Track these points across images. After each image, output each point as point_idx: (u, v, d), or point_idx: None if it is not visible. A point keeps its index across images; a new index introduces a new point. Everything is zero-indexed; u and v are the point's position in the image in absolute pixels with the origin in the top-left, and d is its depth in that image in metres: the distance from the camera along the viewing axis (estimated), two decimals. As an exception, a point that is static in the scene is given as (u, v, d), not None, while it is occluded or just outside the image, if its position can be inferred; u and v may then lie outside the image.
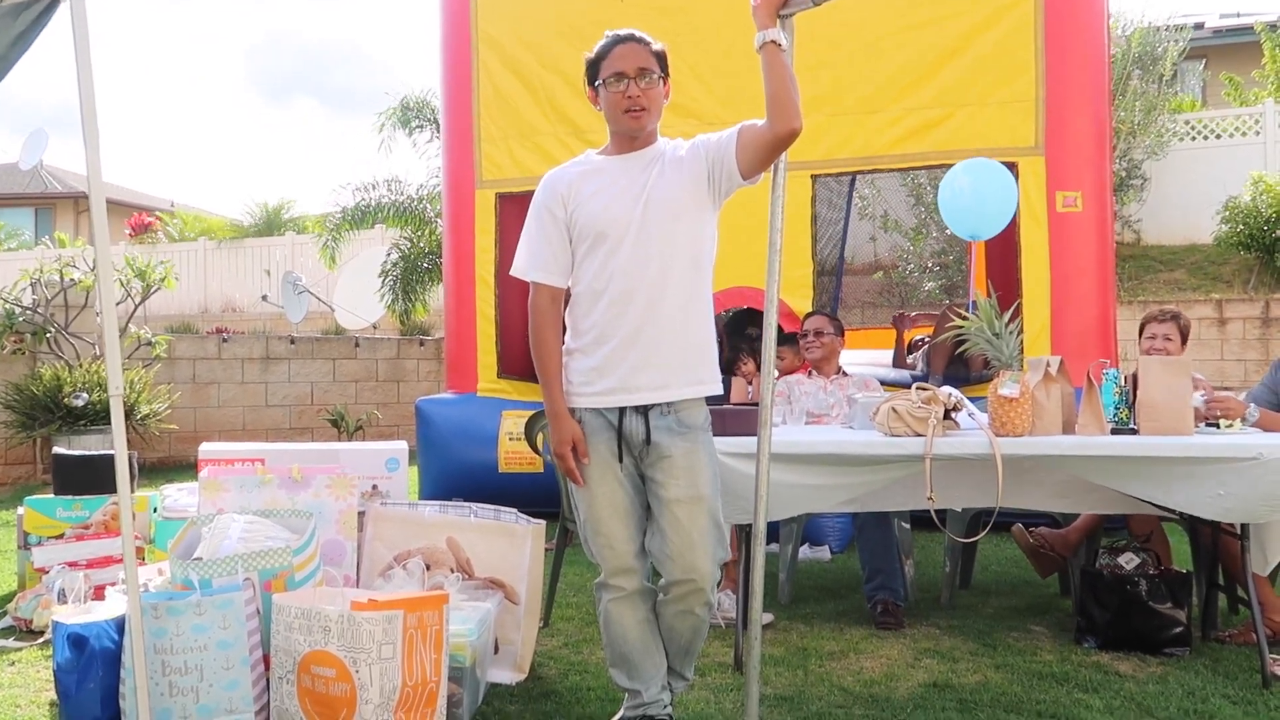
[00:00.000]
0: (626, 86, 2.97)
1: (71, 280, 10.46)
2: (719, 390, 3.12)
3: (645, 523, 3.09)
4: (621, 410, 3.00)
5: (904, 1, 6.34)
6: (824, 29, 5.97)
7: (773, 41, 2.93)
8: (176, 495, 5.17)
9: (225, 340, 11.90)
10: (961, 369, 6.23)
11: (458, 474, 7.06)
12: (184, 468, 10.43)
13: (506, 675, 3.75)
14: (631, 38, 3.03)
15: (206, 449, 4.35)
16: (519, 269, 3.12)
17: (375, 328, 14.15)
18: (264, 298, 16.94)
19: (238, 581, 3.26)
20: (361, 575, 3.92)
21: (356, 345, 12.57)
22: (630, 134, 3.03)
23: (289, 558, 3.41)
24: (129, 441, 9.89)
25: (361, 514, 4.05)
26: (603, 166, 3.06)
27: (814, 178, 6.60)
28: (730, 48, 6.48)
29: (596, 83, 3.05)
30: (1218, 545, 4.18)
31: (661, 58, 3.04)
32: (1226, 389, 4.89)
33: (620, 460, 3.02)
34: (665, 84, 3.07)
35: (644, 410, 2.99)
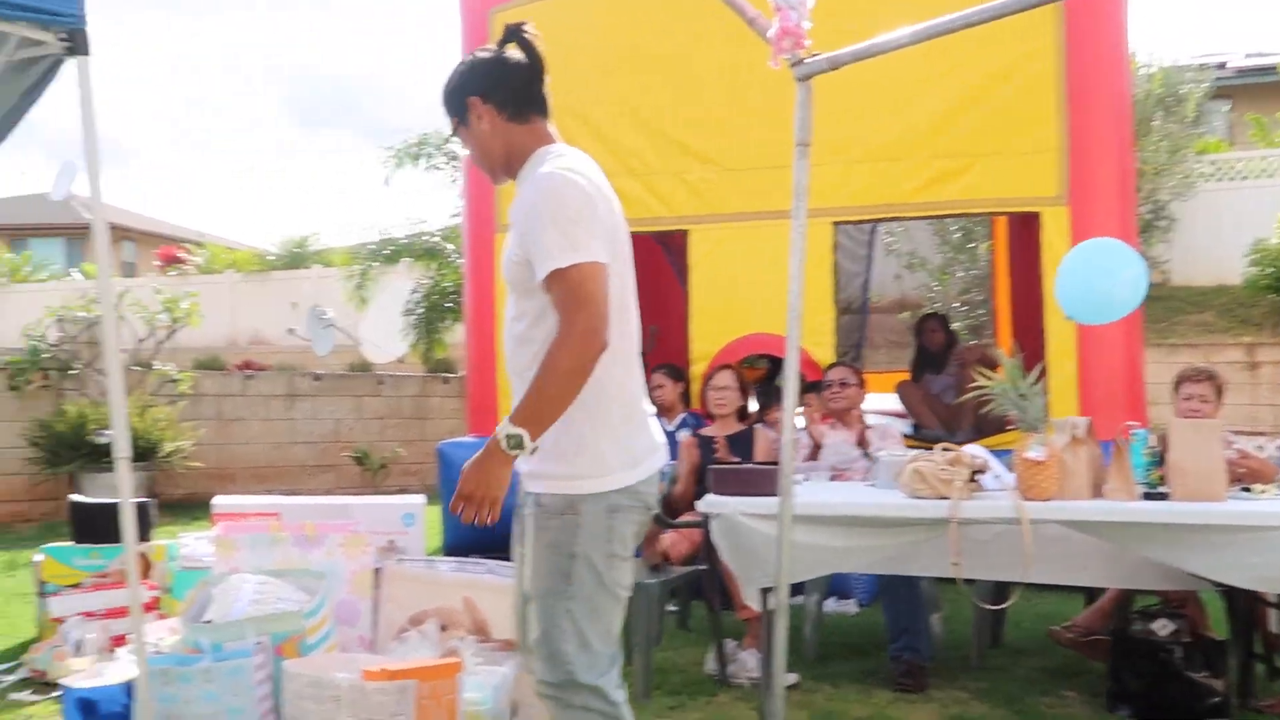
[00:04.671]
0: None
1: (97, 316, 10.52)
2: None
3: None
4: None
5: (924, 50, 6.30)
6: (844, 76, 5.93)
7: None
8: (194, 545, 5.14)
9: (250, 377, 11.93)
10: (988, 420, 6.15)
11: (479, 519, 7.01)
12: (207, 505, 10.41)
13: (523, 740, 3.69)
14: None
15: (220, 502, 4.34)
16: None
17: (402, 361, 14.16)
18: (290, 331, 17.00)
19: (248, 646, 3.22)
20: (377, 637, 3.88)
21: (380, 383, 12.58)
22: None
23: (301, 621, 3.38)
24: (153, 480, 9.92)
25: (378, 571, 4.01)
26: None
27: (835, 224, 6.55)
28: (735, 94, 6.46)
29: None
30: (1254, 612, 4.07)
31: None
32: (1260, 434, 4.78)
33: None
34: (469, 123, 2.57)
35: None
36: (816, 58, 3.16)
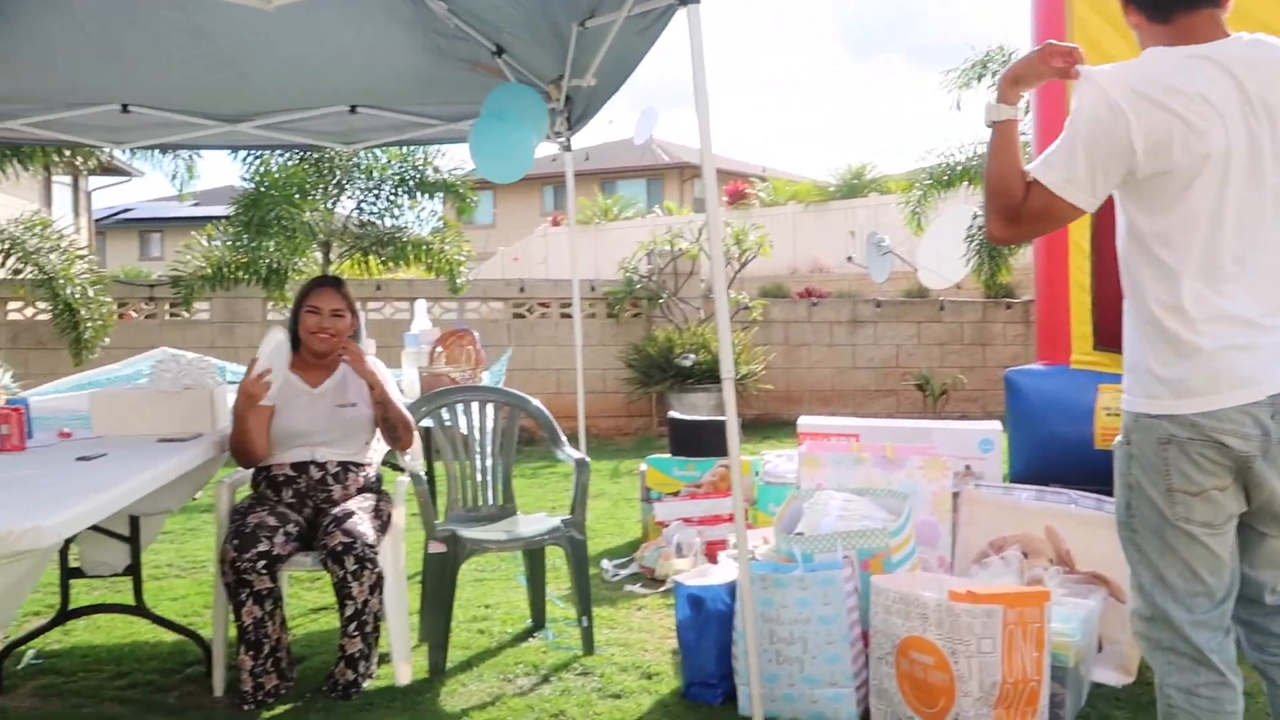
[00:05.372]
0: None
1: (680, 250, 11.46)
2: None
3: None
4: None
5: None
6: None
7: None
8: (776, 461, 5.49)
9: (814, 304, 12.41)
10: None
11: (1050, 448, 6.79)
12: (778, 425, 11.04)
13: (1112, 676, 3.57)
14: None
15: (805, 423, 4.57)
16: None
17: (959, 288, 13.98)
18: (849, 259, 17.42)
19: (837, 559, 3.39)
20: (956, 559, 3.92)
21: (941, 308, 12.54)
22: None
23: (886, 539, 3.49)
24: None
25: (955, 495, 4.04)
26: None
27: None
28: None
29: None
30: None
31: None
32: None
33: None
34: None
35: None
36: None
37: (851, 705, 3.29)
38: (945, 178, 12.97)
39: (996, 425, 4.43)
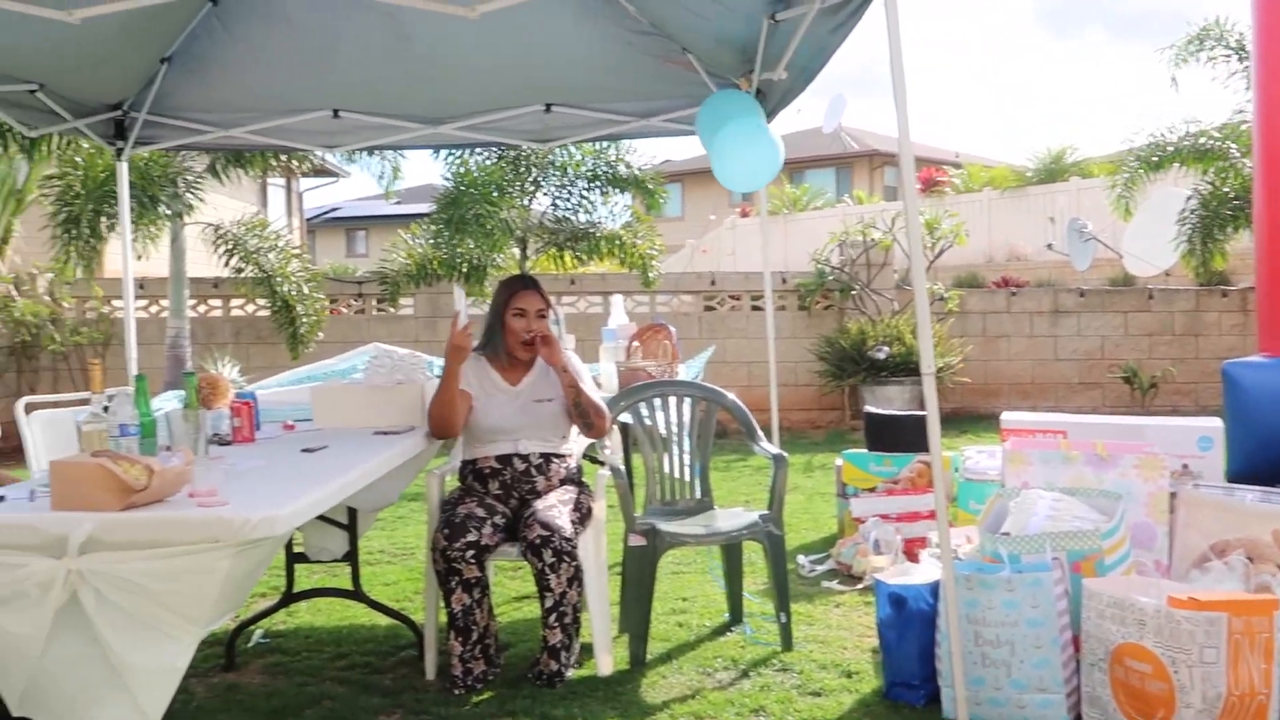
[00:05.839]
0: None
1: (872, 240, 11.28)
2: None
3: None
4: None
5: None
6: None
7: None
8: (977, 458, 5.36)
9: (1014, 294, 12.01)
10: None
11: (1272, 446, 6.37)
12: (975, 419, 10.76)
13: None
14: None
15: (1009, 419, 4.43)
16: None
17: (1168, 275, 13.30)
18: (1049, 246, 16.75)
19: (1046, 561, 3.28)
20: (1174, 563, 3.74)
21: (1150, 297, 11.95)
22: None
23: (1098, 541, 3.36)
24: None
25: (1172, 496, 3.86)
26: None
27: None
28: None
29: None
30: None
31: None
32: None
33: None
34: None
35: None
36: None
37: (1062, 711, 3.18)
38: (1155, 159, 12.33)
39: (1217, 422, 4.21)
